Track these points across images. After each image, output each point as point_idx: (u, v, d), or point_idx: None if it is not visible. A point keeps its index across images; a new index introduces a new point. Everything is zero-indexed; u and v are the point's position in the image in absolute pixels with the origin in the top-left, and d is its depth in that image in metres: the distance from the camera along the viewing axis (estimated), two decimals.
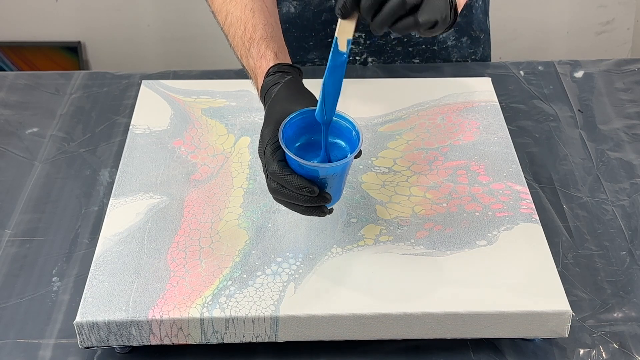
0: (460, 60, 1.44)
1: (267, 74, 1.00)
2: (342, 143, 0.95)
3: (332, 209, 0.94)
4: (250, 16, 1.07)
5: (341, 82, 0.89)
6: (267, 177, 0.92)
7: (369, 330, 0.92)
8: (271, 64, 1.01)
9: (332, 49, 0.87)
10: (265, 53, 1.02)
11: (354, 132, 0.93)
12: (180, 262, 0.97)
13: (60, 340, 0.97)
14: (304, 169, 0.89)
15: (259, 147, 0.93)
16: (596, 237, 1.10)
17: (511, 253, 0.98)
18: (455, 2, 0.92)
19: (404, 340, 0.95)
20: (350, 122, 0.93)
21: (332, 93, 0.89)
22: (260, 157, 0.93)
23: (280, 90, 0.96)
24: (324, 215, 0.93)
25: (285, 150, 0.89)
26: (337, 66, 0.88)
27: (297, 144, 0.94)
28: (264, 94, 0.99)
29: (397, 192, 1.07)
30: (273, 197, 0.93)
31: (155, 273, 0.95)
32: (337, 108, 0.91)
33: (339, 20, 0.86)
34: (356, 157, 0.94)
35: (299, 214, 1.02)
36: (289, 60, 1.03)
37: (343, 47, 0.87)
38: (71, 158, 1.24)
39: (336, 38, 0.87)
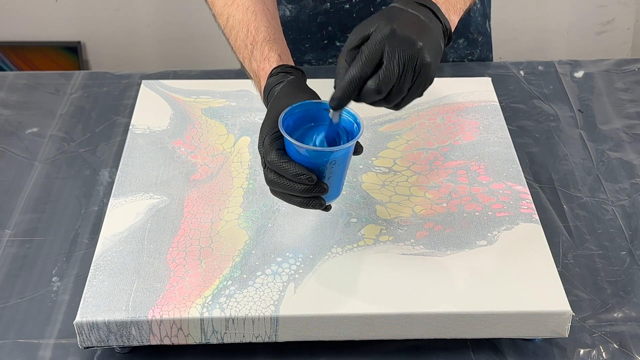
0: (457, 60, 1.44)
1: (271, 75, 1.00)
2: (342, 135, 0.95)
3: (330, 205, 0.94)
4: (252, 19, 1.06)
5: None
6: (264, 167, 0.92)
7: (369, 330, 0.92)
8: (274, 66, 1.00)
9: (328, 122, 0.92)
10: (268, 55, 1.02)
11: (355, 125, 0.93)
12: (180, 262, 0.97)
13: (60, 340, 0.97)
14: (302, 157, 0.89)
15: (258, 140, 0.93)
16: (596, 237, 1.10)
17: (511, 253, 0.98)
18: (448, 27, 0.93)
19: (404, 340, 0.95)
20: (352, 115, 0.93)
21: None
22: (259, 150, 0.92)
23: (283, 87, 0.96)
24: (322, 208, 0.92)
25: (284, 135, 0.89)
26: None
27: (295, 136, 0.93)
28: (267, 94, 0.98)
29: (397, 192, 1.07)
30: (270, 190, 0.93)
31: (155, 273, 0.95)
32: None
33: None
34: (357, 153, 0.94)
35: (299, 215, 1.02)
36: (291, 62, 1.02)
37: (336, 119, 0.91)
38: (71, 158, 1.24)
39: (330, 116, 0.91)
